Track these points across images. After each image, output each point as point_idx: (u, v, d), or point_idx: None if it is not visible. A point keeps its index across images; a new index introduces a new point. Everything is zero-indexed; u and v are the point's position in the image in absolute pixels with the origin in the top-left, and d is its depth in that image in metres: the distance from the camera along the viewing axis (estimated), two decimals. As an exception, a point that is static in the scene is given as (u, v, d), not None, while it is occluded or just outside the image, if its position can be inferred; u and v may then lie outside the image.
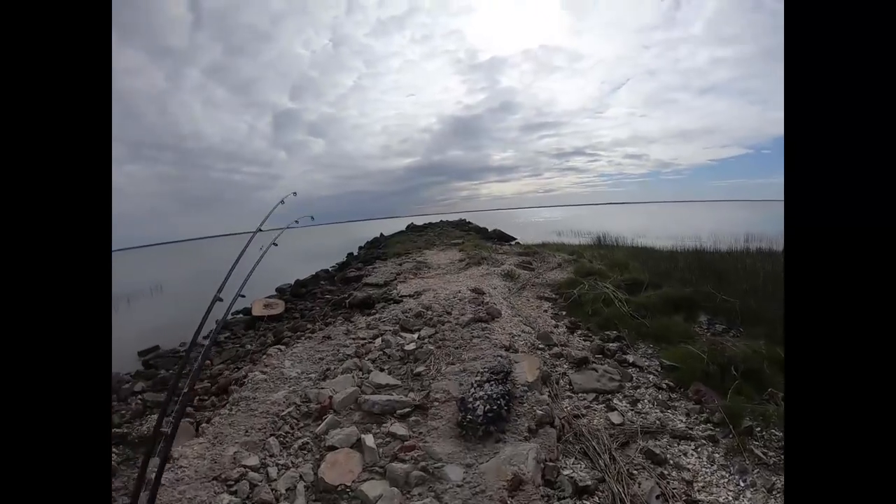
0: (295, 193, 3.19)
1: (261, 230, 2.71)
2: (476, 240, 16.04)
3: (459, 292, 5.22)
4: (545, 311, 5.11)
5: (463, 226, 27.47)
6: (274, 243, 2.69)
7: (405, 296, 5.60)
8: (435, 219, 41.54)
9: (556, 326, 4.52)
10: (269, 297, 10.28)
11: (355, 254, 18.85)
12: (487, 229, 22.09)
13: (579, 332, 4.32)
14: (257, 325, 7.18)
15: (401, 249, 13.78)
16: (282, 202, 3.05)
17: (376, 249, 18.00)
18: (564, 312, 4.99)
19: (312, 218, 3.76)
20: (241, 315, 8.11)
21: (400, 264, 9.41)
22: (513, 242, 16.78)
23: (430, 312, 4.44)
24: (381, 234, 25.38)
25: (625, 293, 5.03)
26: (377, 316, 4.79)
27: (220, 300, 1.99)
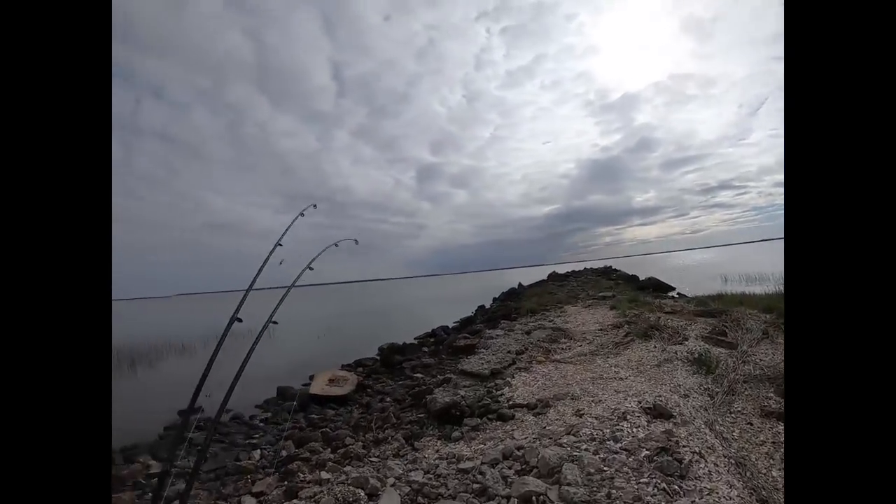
0: (315, 206, 3.35)
1: (280, 245, 2.77)
2: (628, 291, 13.92)
3: (622, 411, 3.26)
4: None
5: (609, 273, 25.53)
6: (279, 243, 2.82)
7: (520, 405, 3.96)
8: (578, 266, 40.73)
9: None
10: (347, 366, 8.96)
11: (487, 305, 18.06)
12: (638, 277, 19.83)
13: None
14: (308, 409, 6.10)
15: (536, 304, 11.66)
16: (301, 214, 3.19)
17: (509, 302, 16.04)
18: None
19: (356, 242, 3.71)
20: (301, 388, 7.20)
21: (528, 332, 7.33)
22: (674, 294, 14.17)
23: (556, 461, 2.52)
24: (519, 284, 24.67)
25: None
26: (459, 449, 3.21)
27: (240, 321, 2.17)
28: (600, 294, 12.91)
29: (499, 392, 4.48)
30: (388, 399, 5.82)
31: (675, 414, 3.07)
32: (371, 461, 3.29)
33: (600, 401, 3.61)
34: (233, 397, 1.94)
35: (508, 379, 5.00)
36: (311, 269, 2.94)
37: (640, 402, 3.29)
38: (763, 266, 18.81)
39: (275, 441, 4.87)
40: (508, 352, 6.03)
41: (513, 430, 3.38)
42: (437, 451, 3.23)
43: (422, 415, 4.27)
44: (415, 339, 12.21)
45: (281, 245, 2.75)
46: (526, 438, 3.01)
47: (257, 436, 5.25)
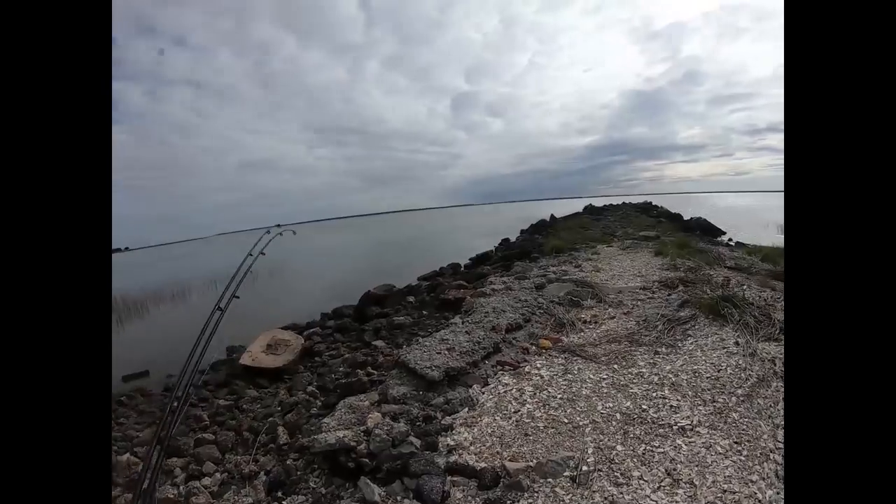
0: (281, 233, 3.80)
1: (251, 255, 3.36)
2: (673, 232, 12.51)
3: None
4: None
5: (649, 209, 24.35)
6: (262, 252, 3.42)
7: (465, 471, 2.41)
8: (616, 200, 39.42)
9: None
10: (289, 327, 7.21)
11: (513, 239, 16.66)
12: (682, 216, 18.66)
13: None
14: (231, 384, 4.75)
15: (564, 242, 9.58)
16: (267, 231, 3.69)
17: (537, 236, 14.14)
18: None
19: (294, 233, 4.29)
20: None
21: (540, 287, 5.37)
22: (727, 240, 12.85)
23: None
24: (551, 216, 23.13)
25: None
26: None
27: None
28: (641, 233, 11.53)
29: (445, 422, 2.87)
30: (314, 385, 4.10)
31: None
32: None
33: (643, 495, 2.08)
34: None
35: (474, 390, 3.13)
36: (261, 253, 3.38)
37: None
38: None
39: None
40: (494, 328, 4.03)
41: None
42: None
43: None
44: (418, 278, 11.10)
45: (252, 255, 3.27)
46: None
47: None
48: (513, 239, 16.59)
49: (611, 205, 29.49)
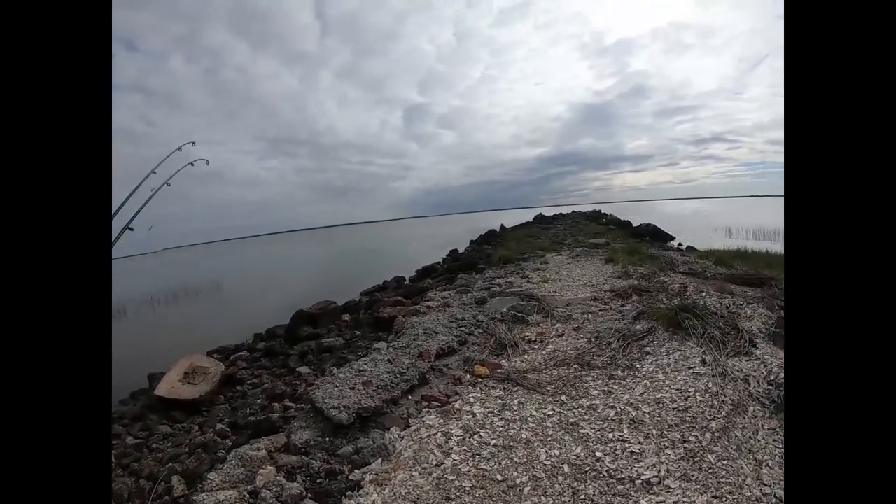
0: (193, 143, 3.86)
1: (154, 172, 3.40)
2: (623, 238, 12.45)
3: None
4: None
5: (598, 218, 25.16)
6: (167, 183, 3.52)
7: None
8: (566, 209, 41.59)
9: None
10: (215, 353, 6.51)
11: (461, 251, 16.41)
12: (631, 223, 18.82)
13: None
14: (146, 417, 4.13)
15: (512, 252, 9.14)
16: (179, 149, 3.57)
17: (486, 246, 13.87)
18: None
19: (207, 162, 4.18)
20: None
21: (481, 302, 4.94)
22: (677, 245, 12.84)
23: None
24: (501, 226, 23.48)
25: None
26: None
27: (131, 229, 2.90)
28: (591, 241, 11.35)
29: (353, 476, 2.35)
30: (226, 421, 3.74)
31: None
32: None
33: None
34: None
35: (391, 434, 2.56)
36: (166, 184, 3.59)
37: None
38: (761, 220, 18.44)
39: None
40: (422, 354, 3.38)
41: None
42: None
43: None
44: (361, 293, 10.44)
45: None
46: None
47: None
48: (461, 250, 16.29)
49: (561, 214, 30.04)
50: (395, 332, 4.64)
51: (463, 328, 4.16)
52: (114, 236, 2.98)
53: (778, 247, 9.75)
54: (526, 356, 3.48)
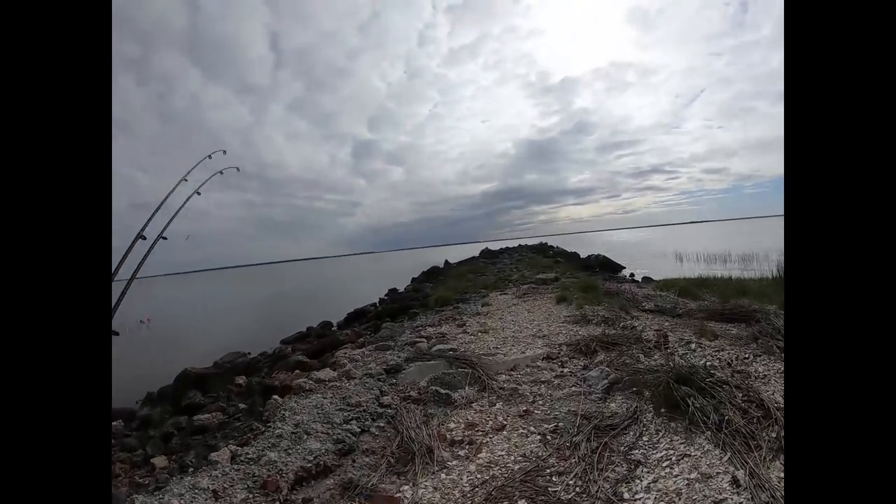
0: (224, 152, 3.71)
1: (185, 180, 3.30)
2: (573, 272, 11.71)
3: None
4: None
5: (545, 250, 24.78)
6: (197, 192, 3.39)
7: None
8: (513, 243, 41.29)
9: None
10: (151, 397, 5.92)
11: (401, 289, 15.59)
12: (579, 255, 18.50)
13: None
14: None
15: (452, 292, 7.89)
16: (209, 157, 3.51)
17: (427, 283, 12.96)
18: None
19: (238, 170, 4.08)
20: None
21: (391, 371, 4.15)
22: (630, 275, 12.42)
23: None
24: (446, 262, 23.52)
25: None
26: None
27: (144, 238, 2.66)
28: (539, 276, 10.38)
29: None
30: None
31: None
32: None
33: None
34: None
35: None
36: (196, 193, 3.67)
37: None
38: (701, 245, 18.77)
39: None
40: (266, 483, 2.03)
41: None
42: None
43: None
44: (281, 342, 9.25)
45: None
46: None
47: None
48: (401, 289, 15.25)
49: (507, 248, 29.60)
50: (265, 419, 3.19)
51: (355, 420, 2.85)
52: (128, 245, 2.89)
53: (739, 272, 9.64)
54: (443, 477, 2.19)
